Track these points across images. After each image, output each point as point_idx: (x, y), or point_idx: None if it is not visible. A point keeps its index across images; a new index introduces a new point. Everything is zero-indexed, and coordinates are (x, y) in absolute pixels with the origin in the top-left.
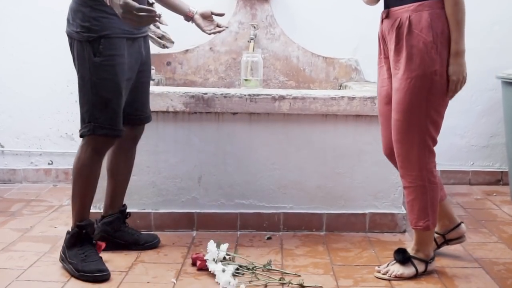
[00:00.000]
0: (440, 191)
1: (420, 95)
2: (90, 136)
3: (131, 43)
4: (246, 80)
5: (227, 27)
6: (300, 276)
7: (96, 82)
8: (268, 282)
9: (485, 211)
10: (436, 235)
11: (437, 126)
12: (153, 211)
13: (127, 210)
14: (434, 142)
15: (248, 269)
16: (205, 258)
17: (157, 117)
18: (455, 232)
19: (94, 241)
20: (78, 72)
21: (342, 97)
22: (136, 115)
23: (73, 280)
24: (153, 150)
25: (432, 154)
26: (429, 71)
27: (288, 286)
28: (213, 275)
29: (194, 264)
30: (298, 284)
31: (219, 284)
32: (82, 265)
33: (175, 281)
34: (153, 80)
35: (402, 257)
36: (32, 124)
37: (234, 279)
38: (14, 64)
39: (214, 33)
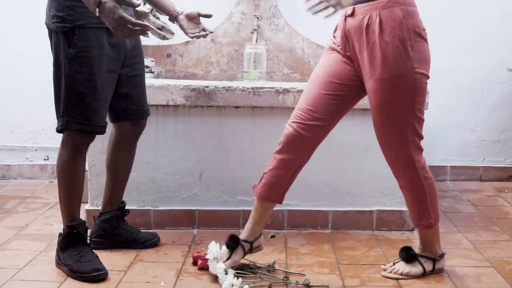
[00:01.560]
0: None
1: (404, 94)
2: (68, 131)
3: (112, 34)
4: (246, 72)
5: (212, 32)
6: (304, 275)
7: (69, 75)
8: (272, 283)
9: (496, 209)
10: (245, 242)
11: (422, 122)
12: (152, 208)
13: (126, 207)
14: (421, 138)
15: (251, 268)
16: (206, 257)
17: (157, 111)
18: (259, 240)
19: (88, 240)
20: (53, 65)
21: None
22: (133, 110)
23: (69, 279)
24: (152, 145)
25: (421, 150)
26: (409, 69)
27: (295, 286)
28: (215, 275)
29: (195, 263)
30: (304, 284)
31: (221, 285)
32: (78, 266)
33: (163, 284)
34: (152, 72)
35: (406, 254)
36: (27, 118)
37: (237, 279)
38: (9, 56)
39: (197, 37)
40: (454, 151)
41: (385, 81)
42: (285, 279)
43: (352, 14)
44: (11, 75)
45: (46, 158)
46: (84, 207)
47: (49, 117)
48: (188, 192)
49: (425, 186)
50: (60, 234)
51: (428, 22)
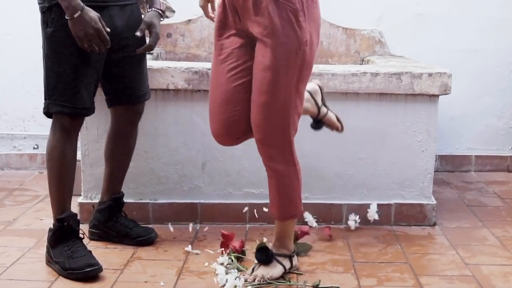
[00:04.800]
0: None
1: (292, 70)
2: (56, 115)
3: (97, 12)
4: None
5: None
6: (302, 274)
7: (48, 55)
8: (278, 284)
9: None
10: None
11: (303, 100)
12: (151, 201)
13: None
14: (299, 117)
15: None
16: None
17: (156, 95)
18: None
19: (82, 234)
20: (41, 46)
21: (364, 73)
22: (127, 93)
23: (61, 279)
24: (151, 132)
25: (296, 131)
26: (301, 42)
27: (303, 286)
28: (218, 274)
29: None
30: (313, 286)
31: (223, 286)
32: (69, 262)
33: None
34: (151, 53)
35: (265, 257)
36: (15, 103)
37: (239, 279)
38: None
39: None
40: (479, 139)
41: (276, 56)
42: (289, 280)
43: None
44: None
45: (36, 147)
46: (77, 200)
47: (39, 102)
48: (190, 184)
49: (298, 171)
50: (50, 230)
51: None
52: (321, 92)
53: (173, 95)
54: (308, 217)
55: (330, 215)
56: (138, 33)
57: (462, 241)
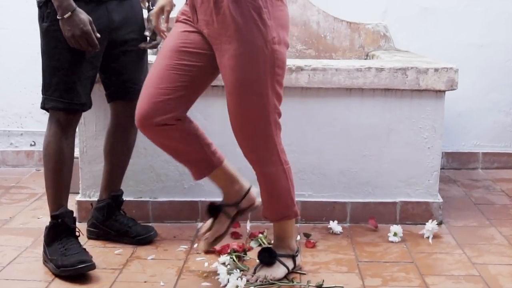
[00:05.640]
0: (215, 154)
1: (263, 69)
2: (52, 110)
3: (94, 7)
4: None
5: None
6: (305, 274)
7: (43, 50)
8: (281, 285)
9: None
10: (227, 207)
11: (281, 98)
12: (151, 199)
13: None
14: (280, 115)
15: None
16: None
17: None
18: (247, 199)
19: (78, 232)
20: None
21: (369, 68)
22: (127, 88)
23: (58, 278)
24: None
25: (280, 130)
26: (267, 40)
27: (306, 287)
28: (219, 273)
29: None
30: (316, 286)
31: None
32: (62, 260)
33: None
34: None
35: (269, 258)
36: (12, 99)
37: (241, 280)
38: None
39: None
40: (487, 136)
41: (242, 56)
42: (292, 280)
43: None
44: None
45: (33, 143)
46: (75, 198)
47: (36, 98)
48: (191, 182)
49: (286, 171)
50: (46, 228)
51: None
52: (250, 207)
53: None
54: (333, 225)
55: (334, 213)
56: (147, 33)
57: (469, 240)
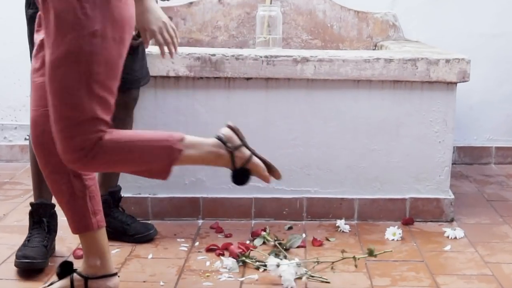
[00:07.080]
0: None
1: (77, 68)
2: None
3: None
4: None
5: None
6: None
7: (29, 38)
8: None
9: None
10: (76, 276)
11: (107, 104)
12: (150, 196)
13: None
14: (108, 125)
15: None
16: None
17: (156, 82)
18: (105, 282)
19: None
20: None
21: (378, 59)
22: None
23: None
24: (150, 122)
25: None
26: (85, 35)
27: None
28: (222, 273)
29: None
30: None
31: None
32: (19, 249)
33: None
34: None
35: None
36: (5, 91)
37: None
38: None
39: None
40: (500, 130)
41: (56, 52)
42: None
43: None
44: None
45: (27, 137)
46: None
47: None
48: (192, 177)
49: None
50: None
51: None
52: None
53: (174, 83)
54: (340, 223)
55: (341, 210)
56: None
57: (481, 238)
